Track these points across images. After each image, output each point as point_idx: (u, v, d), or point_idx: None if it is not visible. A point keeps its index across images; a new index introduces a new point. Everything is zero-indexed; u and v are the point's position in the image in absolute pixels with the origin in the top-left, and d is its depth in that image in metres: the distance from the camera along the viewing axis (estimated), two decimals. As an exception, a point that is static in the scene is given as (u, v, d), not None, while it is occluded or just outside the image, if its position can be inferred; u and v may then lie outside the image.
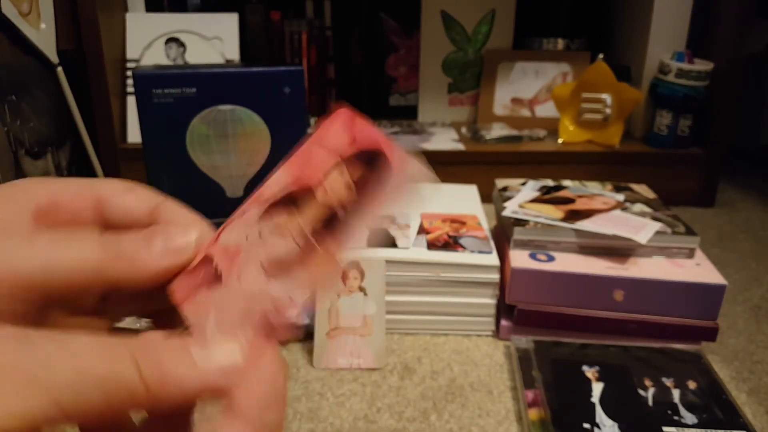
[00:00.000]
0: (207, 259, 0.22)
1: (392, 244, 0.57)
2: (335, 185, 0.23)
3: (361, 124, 0.24)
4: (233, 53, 0.95)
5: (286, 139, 0.67)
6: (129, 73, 0.93)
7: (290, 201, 0.24)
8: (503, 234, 0.59)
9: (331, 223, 0.23)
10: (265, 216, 0.23)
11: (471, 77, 1.12)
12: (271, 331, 0.21)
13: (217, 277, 0.22)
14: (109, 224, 0.22)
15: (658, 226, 0.55)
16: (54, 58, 0.83)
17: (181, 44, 0.94)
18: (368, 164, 0.23)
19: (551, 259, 0.54)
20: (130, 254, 0.20)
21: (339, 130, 0.24)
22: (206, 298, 0.22)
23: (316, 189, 0.24)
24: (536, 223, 0.56)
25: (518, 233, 0.55)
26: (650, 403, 0.44)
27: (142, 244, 0.21)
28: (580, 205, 0.60)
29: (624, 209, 0.59)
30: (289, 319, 0.22)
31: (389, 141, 0.23)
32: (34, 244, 0.19)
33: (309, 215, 0.23)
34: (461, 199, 0.69)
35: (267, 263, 0.23)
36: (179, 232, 0.22)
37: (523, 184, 0.67)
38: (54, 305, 0.19)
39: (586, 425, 0.41)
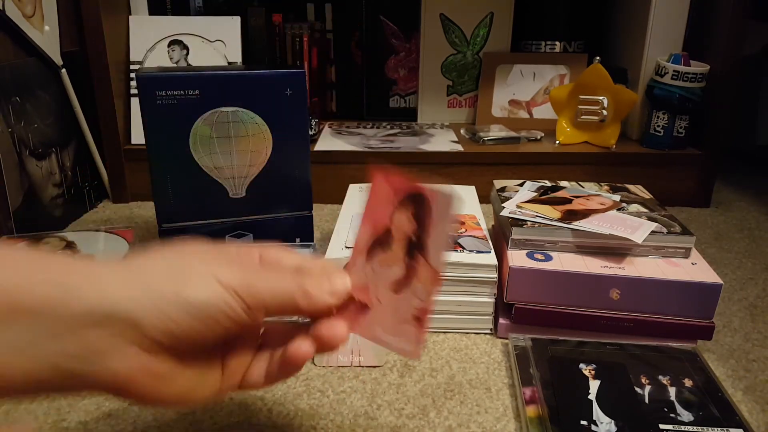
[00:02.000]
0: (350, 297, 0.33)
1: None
2: (400, 223, 0.34)
3: (395, 178, 0.34)
4: (236, 56, 0.96)
5: (287, 140, 0.68)
6: (132, 75, 0.94)
7: (378, 243, 0.34)
8: (501, 234, 0.60)
9: (413, 247, 0.33)
10: (369, 258, 0.34)
11: (470, 79, 1.13)
12: (419, 321, 0.33)
13: (362, 306, 0.34)
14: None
15: (654, 226, 0.55)
16: (58, 59, 0.84)
17: (184, 47, 0.95)
18: (413, 201, 0.33)
19: (548, 258, 0.55)
20: (310, 291, 0.31)
21: (383, 187, 0.34)
22: (366, 321, 0.34)
23: (390, 229, 0.34)
24: (534, 223, 0.56)
25: (516, 233, 0.56)
26: (647, 400, 0.44)
27: (317, 285, 0.31)
28: (577, 205, 0.61)
29: (620, 209, 0.60)
30: (429, 311, 0.33)
31: (418, 182, 0.33)
32: (266, 275, 0.31)
33: (396, 247, 0.34)
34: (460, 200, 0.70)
35: (390, 285, 0.34)
36: (339, 277, 0.32)
37: (521, 184, 0.68)
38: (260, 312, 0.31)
39: (583, 422, 0.42)
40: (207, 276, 0.29)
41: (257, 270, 0.32)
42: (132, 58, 0.94)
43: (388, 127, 1.11)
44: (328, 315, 0.32)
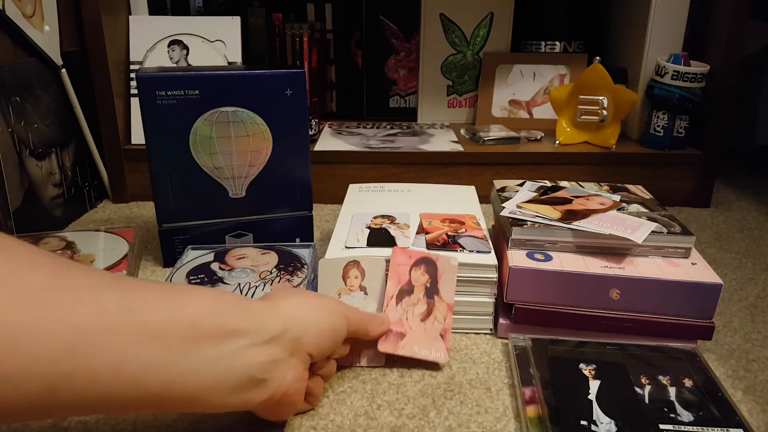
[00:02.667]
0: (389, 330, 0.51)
1: (392, 243, 0.57)
2: (417, 276, 0.53)
3: (408, 251, 0.54)
4: (236, 56, 0.96)
5: (287, 140, 0.68)
6: (132, 75, 0.94)
7: (403, 291, 0.52)
8: (501, 234, 0.60)
9: (430, 291, 0.53)
10: (398, 302, 0.52)
11: (470, 79, 1.13)
12: (443, 337, 0.51)
13: (399, 335, 0.50)
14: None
15: (654, 226, 0.55)
16: (58, 59, 0.84)
17: (185, 47, 0.95)
18: (423, 262, 0.54)
19: (548, 258, 0.55)
20: (372, 324, 0.49)
21: (402, 256, 0.54)
22: (404, 343, 0.50)
23: (410, 281, 0.53)
24: (534, 223, 0.56)
25: (516, 233, 0.56)
26: (647, 400, 0.44)
27: (375, 321, 0.50)
28: (577, 205, 0.61)
29: (620, 209, 0.60)
30: (449, 330, 0.52)
31: (426, 251, 0.55)
32: (354, 311, 0.47)
33: (417, 292, 0.52)
34: (460, 200, 0.70)
35: (418, 317, 0.51)
36: (384, 316, 0.51)
37: (521, 184, 0.68)
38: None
39: (583, 422, 0.42)
40: (334, 308, 0.44)
41: (349, 307, 0.47)
42: (132, 58, 0.94)
43: (388, 127, 1.11)
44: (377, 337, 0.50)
